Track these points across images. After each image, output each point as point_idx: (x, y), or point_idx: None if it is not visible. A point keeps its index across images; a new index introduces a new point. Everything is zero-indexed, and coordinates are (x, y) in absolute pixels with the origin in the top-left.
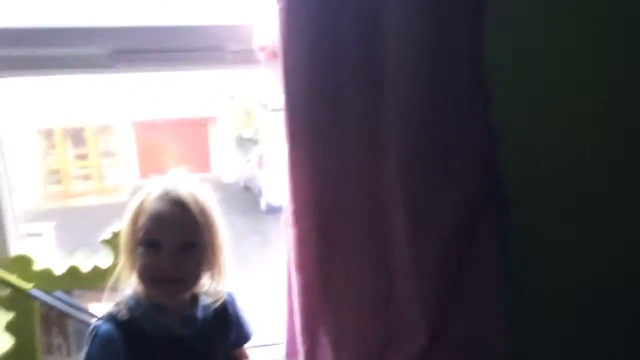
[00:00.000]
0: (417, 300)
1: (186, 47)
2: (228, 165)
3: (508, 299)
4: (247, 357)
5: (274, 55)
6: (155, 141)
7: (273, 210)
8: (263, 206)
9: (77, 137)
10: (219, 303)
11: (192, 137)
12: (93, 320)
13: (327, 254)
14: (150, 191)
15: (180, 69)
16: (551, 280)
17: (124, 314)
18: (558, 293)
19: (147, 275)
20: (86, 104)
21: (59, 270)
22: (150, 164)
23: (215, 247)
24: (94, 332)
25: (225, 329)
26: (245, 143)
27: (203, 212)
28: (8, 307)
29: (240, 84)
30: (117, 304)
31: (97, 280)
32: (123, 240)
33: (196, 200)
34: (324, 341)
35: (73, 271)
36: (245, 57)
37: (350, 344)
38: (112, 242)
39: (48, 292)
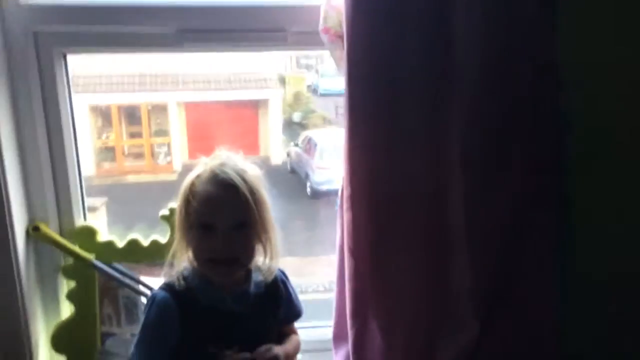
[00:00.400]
0: (472, 290)
1: (250, 28)
2: (276, 148)
3: (564, 294)
4: (296, 334)
5: (337, 36)
6: (205, 122)
7: (318, 195)
8: (309, 190)
9: (131, 115)
10: (271, 279)
11: (242, 120)
12: (149, 292)
13: (381, 240)
14: (200, 174)
15: (242, 49)
16: (610, 277)
17: (180, 284)
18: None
19: (203, 257)
20: (142, 83)
21: (120, 243)
22: (199, 144)
23: (266, 224)
24: (152, 299)
25: (276, 305)
26: (293, 126)
27: (252, 190)
28: (70, 276)
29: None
30: (174, 276)
31: (155, 254)
32: (177, 221)
33: (245, 179)
34: (373, 326)
35: (133, 244)
36: (307, 38)
37: (400, 330)
38: (169, 218)
39: (108, 264)
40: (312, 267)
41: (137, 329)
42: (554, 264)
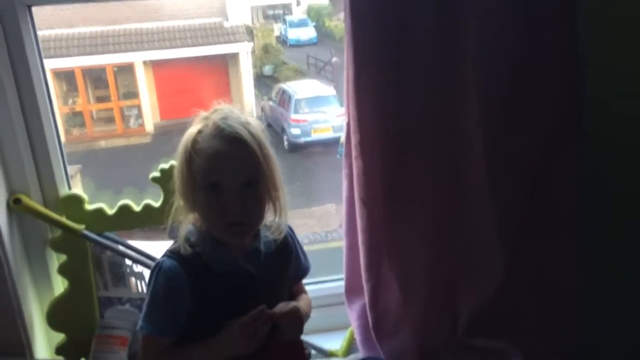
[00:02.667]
0: (494, 235)
1: None
2: (249, 103)
3: (586, 237)
4: (305, 291)
5: None
6: (175, 81)
7: (296, 148)
8: (286, 144)
9: (97, 78)
10: (281, 237)
11: (212, 76)
12: (146, 260)
13: (396, 187)
14: (201, 129)
15: None
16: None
17: (186, 250)
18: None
19: (214, 220)
20: (105, 44)
21: (109, 210)
22: (170, 104)
23: (275, 179)
24: (157, 268)
25: (287, 263)
26: (264, 80)
27: (260, 144)
28: (60, 250)
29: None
30: (177, 242)
31: (149, 219)
32: (178, 183)
33: (252, 133)
34: (390, 276)
35: (125, 211)
36: None
37: (417, 279)
38: (161, 180)
39: (99, 234)
40: (294, 220)
41: (124, 291)
42: (576, 203)
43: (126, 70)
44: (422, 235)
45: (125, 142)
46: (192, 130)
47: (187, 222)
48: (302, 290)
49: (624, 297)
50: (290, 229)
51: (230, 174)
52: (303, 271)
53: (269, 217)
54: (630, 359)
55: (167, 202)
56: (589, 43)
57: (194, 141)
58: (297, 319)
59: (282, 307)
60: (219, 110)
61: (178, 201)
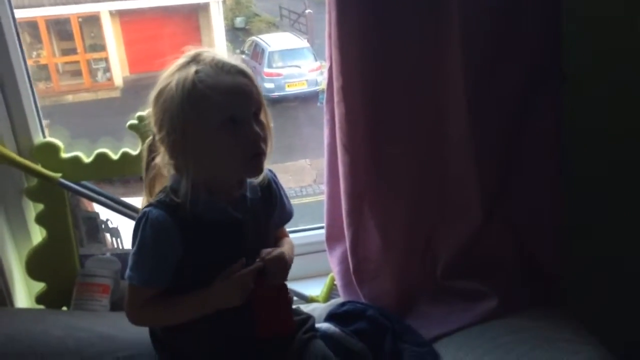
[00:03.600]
0: (475, 176)
1: None
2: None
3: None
4: (288, 236)
5: None
6: (143, 32)
7: (270, 103)
8: None
9: (62, 30)
10: (265, 181)
11: (182, 27)
12: (125, 210)
13: (377, 132)
14: (198, 70)
15: None
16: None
17: (172, 200)
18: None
19: (235, 156)
20: None
21: (87, 158)
22: (139, 56)
23: (267, 117)
24: (144, 218)
25: (272, 208)
26: (236, 32)
27: (255, 79)
28: (36, 199)
29: None
30: (162, 192)
31: (127, 168)
32: (172, 137)
33: (248, 68)
34: (370, 222)
35: (102, 159)
36: None
37: (398, 225)
38: (139, 127)
39: (76, 182)
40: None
41: (99, 248)
42: (557, 141)
43: (92, 20)
44: (403, 181)
45: (94, 97)
46: (184, 74)
47: (168, 174)
48: (284, 235)
49: (605, 238)
50: (271, 171)
51: (245, 105)
52: (287, 215)
53: None
54: (612, 304)
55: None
56: None
57: (193, 83)
58: (283, 264)
59: (268, 252)
60: (202, 52)
61: (164, 157)
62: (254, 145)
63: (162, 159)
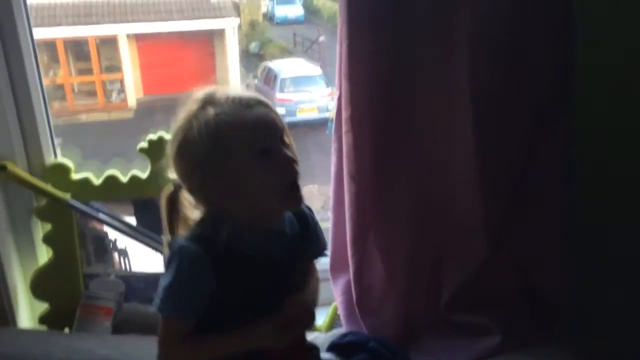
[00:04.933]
0: (481, 208)
1: None
2: (234, 80)
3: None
4: (316, 271)
5: None
6: (159, 55)
7: None
8: None
9: (79, 50)
10: (298, 212)
11: (197, 52)
12: (131, 232)
13: (384, 162)
14: (217, 112)
15: None
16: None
17: (208, 236)
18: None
19: (272, 188)
20: (87, 14)
21: (96, 180)
22: (154, 79)
23: (290, 138)
24: (178, 251)
25: (309, 242)
26: (250, 58)
27: (273, 105)
28: (45, 218)
29: None
30: (198, 226)
31: (135, 190)
32: (204, 181)
33: (263, 97)
34: (375, 252)
35: (111, 181)
36: None
37: (402, 256)
38: (149, 151)
39: (85, 203)
40: None
41: (104, 267)
42: (563, 172)
43: (109, 43)
44: (408, 212)
45: (107, 117)
46: (204, 119)
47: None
48: (314, 269)
49: (609, 275)
50: (309, 208)
51: (272, 135)
52: (322, 249)
53: None
54: (617, 338)
55: (154, 174)
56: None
57: (215, 124)
58: (309, 319)
59: (294, 305)
60: (214, 93)
61: (194, 206)
62: (290, 170)
63: (189, 209)
